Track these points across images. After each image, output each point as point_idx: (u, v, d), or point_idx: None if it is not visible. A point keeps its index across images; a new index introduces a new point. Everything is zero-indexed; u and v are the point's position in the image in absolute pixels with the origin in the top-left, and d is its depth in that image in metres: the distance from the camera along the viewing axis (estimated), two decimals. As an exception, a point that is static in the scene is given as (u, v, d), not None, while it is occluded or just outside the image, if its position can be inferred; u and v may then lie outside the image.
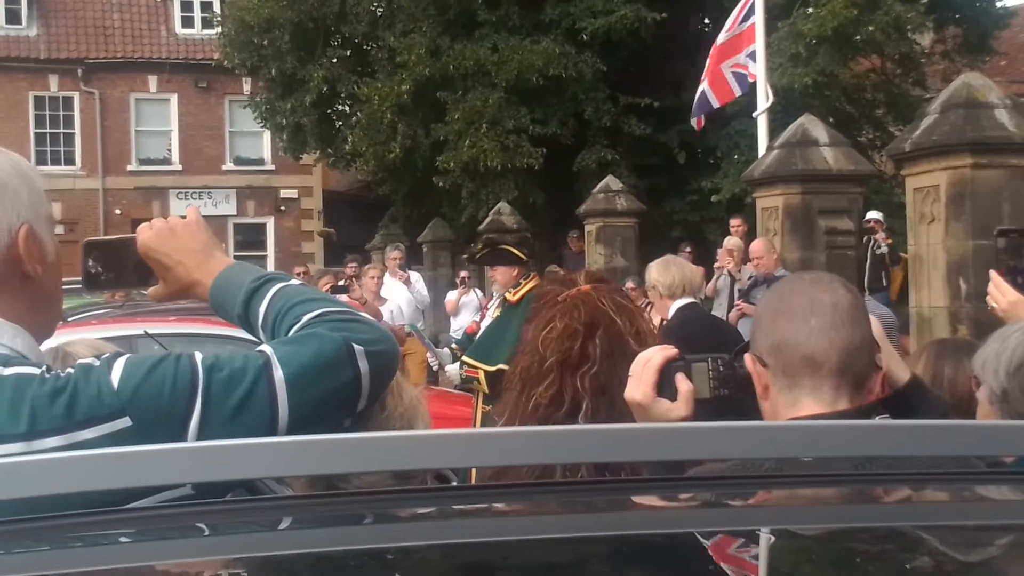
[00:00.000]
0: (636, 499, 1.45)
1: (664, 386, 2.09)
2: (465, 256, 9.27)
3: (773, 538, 1.28)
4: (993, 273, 3.04)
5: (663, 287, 6.20)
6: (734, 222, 13.77)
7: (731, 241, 12.05)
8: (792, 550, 1.28)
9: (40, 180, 1.82)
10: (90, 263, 1.98)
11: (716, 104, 15.17)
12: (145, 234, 1.94)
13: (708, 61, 15.20)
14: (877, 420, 1.96)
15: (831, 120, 15.32)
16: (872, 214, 14.83)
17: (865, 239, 14.06)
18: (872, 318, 2.11)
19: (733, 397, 2.12)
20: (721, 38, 14.89)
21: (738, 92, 14.82)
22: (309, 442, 1.21)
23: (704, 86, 15.03)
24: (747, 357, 2.08)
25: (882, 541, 1.26)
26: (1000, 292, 3.03)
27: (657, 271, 6.27)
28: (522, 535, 1.28)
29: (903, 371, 2.29)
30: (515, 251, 7.91)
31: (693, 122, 15.95)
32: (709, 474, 1.59)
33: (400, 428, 1.95)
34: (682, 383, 2.08)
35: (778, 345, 2.02)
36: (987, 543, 1.28)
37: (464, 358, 8.04)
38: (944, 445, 1.28)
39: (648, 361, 2.12)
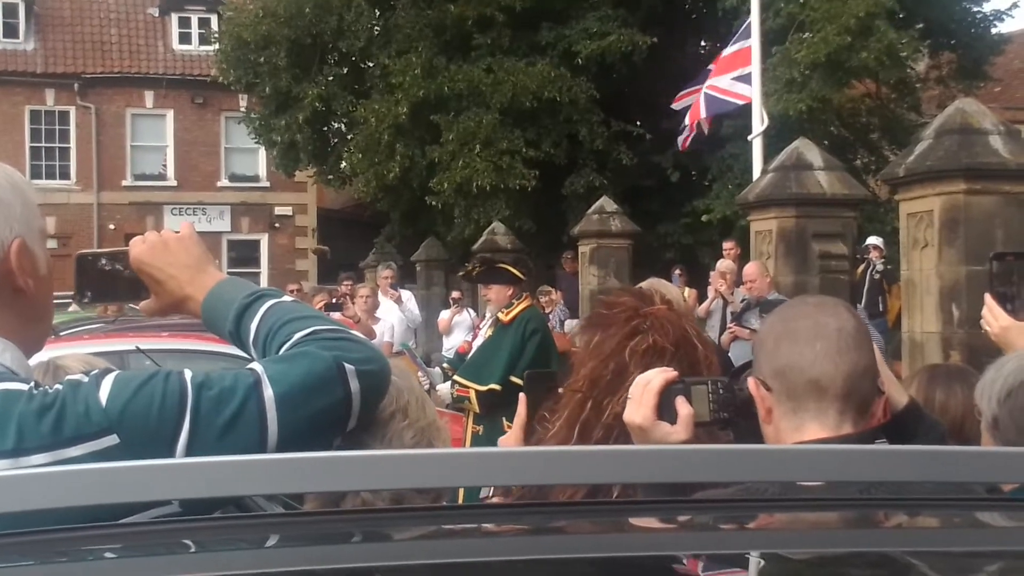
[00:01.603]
0: (627, 521, 1.45)
1: (664, 409, 2.07)
2: (461, 273, 9.23)
3: (764, 562, 1.28)
4: (987, 297, 3.05)
5: (647, 310, 6.17)
6: (727, 245, 13.81)
7: (724, 264, 12.07)
8: (786, 574, 1.28)
9: (34, 194, 1.81)
10: (83, 276, 1.98)
11: (738, 102, 15.29)
12: (138, 248, 1.93)
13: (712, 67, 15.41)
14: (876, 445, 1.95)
15: (826, 144, 15.39)
16: (872, 240, 14.88)
17: (863, 265, 14.11)
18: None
19: (733, 420, 2.11)
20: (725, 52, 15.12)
21: (712, 113, 15.10)
22: (297, 459, 1.21)
23: (711, 92, 15.14)
24: (750, 381, 2.07)
25: (873, 567, 1.26)
26: (993, 316, 3.05)
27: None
28: (510, 555, 1.27)
29: (901, 395, 2.29)
30: (512, 270, 7.90)
31: (701, 125, 16.06)
32: (702, 497, 1.59)
33: (418, 441, 1.95)
34: (682, 406, 2.06)
35: (782, 369, 2.02)
36: (981, 570, 1.28)
37: (455, 377, 8.04)
38: (944, 471, 1.28)
39: (648, 384, 2.10)
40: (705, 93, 15.22)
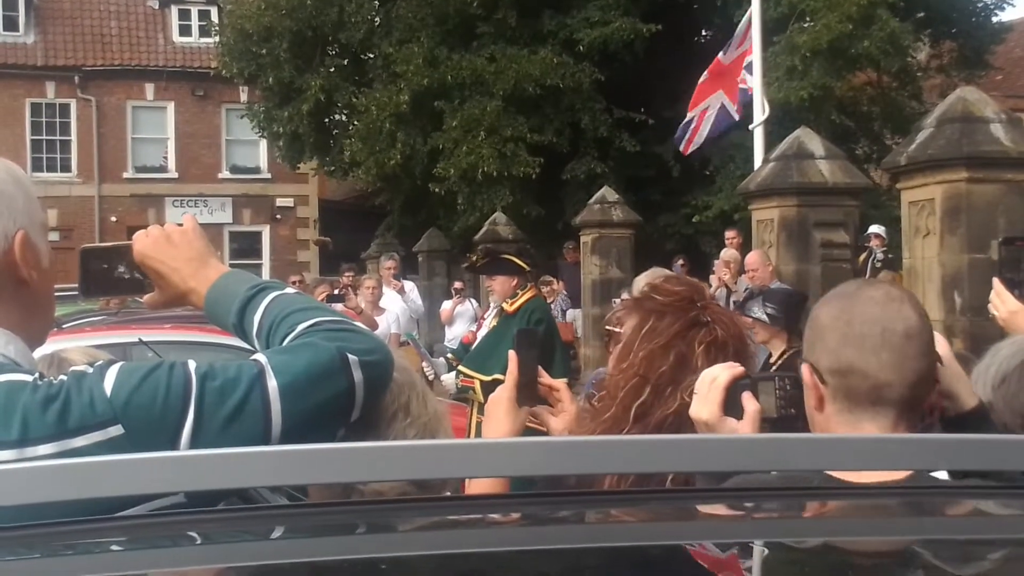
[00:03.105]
0: (639, 510, 1.45)
1: (730, 405, 2.05)
2: (465, 265, 9.21)
3: (769, 551, 1.28)
4: (996, 281, 3.05)
5: (652, 300, 6.16)
6: (729, 234, 13.81)
7: (728, 253, 12.07)
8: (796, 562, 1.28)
9: (34, 188, 1.82)
10: (87, 270, 1.98)
11: (736, 117, 15.23)
12: (141, 241, 1.94)
13: (708, 76, 15.28)
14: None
15: (827, 132, 15.36)
16: (874, 228, 14.88)
17: (865, 254, 14.11)
18: (938, 336, 2.08)
19: (800, 416, 2.10)
20: (732, 55, 14.99)
21: (714, 133, 15.06)
22: (303, 451, 1.21)
23: (725, 101, 15.07)
24: (804, 367, 2.03)
25: (882, 556, 1.26)
26: (1001, 301, 3.05)
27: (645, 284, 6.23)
28: (517, 546, 1.27)
29: (971, 398, 2.25)
30: (516, 260, 7.91)
31: (694, 143, 15.97)
32: (703, 487, 1.59)
33: (421, 438, 1.94)
34: (750, 403, 2.04)
35: (844, 371, 1.98)
36: (984, 557, 1.28)
37: (460, 368, 8.04)
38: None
39: (715, 379, 2.08)
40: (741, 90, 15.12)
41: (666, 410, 2.41)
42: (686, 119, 15.72)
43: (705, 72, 15.49)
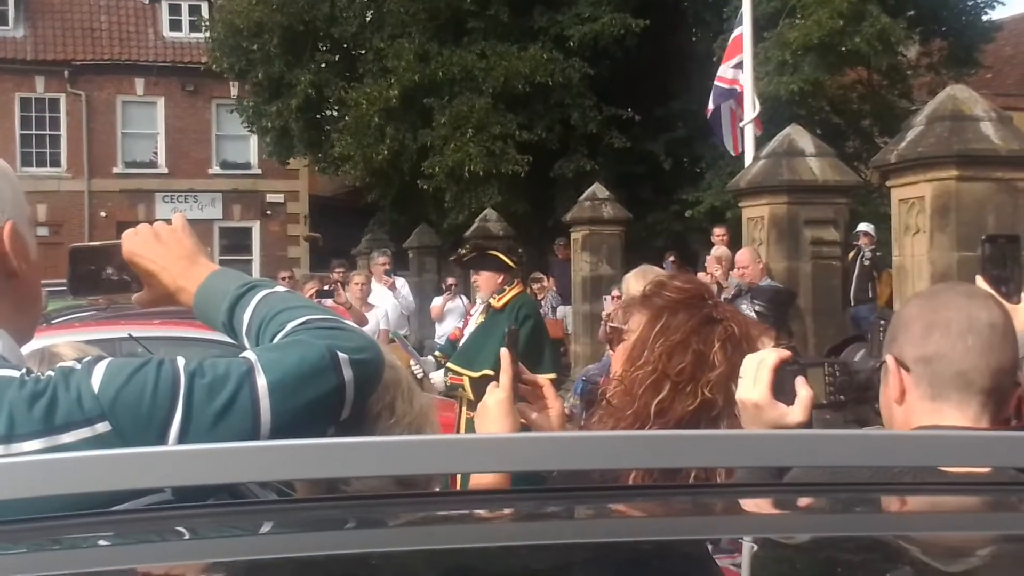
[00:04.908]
0: (626, 504, 1.45)
1: (776, 389, 2.03)
2: (452, 258, 9.20)
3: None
4: (979, 279, 3.06)
5: (641, 297, 6.14)
6: (718, 231, 13.83)
7: (719, 250, 12.09)
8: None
9: (19, 181, 1.82)
10: (76, 269, 1.97)
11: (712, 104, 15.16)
12: (131, 240, 1.93)
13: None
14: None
15: (817, 131, 15.38)
16: (863, 226, 14.90)
17: (853, 252, 14.13)
18: None
19: (848, 403, 2.10)
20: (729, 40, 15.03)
21: (717, 103, 14.93)
22: (292, 446, 1.21)
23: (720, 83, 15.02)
24: (890, 358, 2.05)
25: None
26: None
27: (635, 281, 6.23)
28: (507, 541, 1.27)
29: None
30: (502, 257, 7.89)
31: (729, 146, 15.76)
32: (698, 483, 1.59)
33: (408, 435, 1.93)
34: (802, 388, 2.02)
35: (930, 358, 2.00)
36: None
37: (448, 365, 8.02)
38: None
39: (762, 361, 2.07)
40: (715, 85, 15.07)
41: (686, 407, 2.42)
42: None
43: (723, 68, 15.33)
